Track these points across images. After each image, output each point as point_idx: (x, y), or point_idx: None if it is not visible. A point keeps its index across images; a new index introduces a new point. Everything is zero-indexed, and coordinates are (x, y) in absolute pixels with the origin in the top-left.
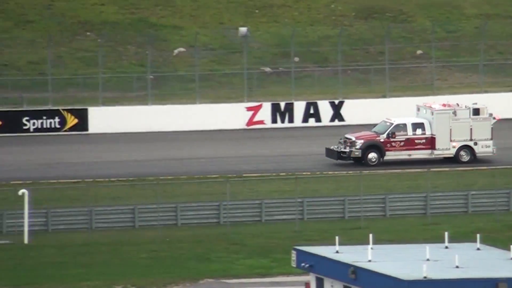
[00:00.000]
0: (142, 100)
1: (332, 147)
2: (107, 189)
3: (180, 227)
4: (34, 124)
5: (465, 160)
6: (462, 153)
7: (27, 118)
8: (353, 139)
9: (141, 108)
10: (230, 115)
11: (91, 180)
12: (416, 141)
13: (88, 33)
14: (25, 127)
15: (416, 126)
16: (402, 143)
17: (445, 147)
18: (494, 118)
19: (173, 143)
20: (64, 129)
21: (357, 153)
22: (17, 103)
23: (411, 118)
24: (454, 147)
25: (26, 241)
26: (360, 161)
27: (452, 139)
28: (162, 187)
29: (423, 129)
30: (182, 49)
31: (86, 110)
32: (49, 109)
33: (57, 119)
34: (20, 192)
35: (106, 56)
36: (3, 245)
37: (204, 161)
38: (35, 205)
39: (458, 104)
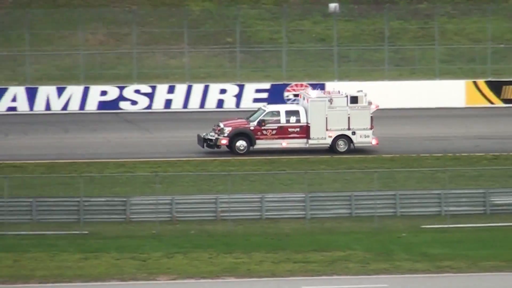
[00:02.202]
0: None
1: (203, 134)
2: None
3: None
4: None
5: (342, 150)
6: (339, 142)
7: None
8: (222, 126)
9: None
10: None
11: None
12: (289, 129)
13: None
14: None
15: (290, 113)
16: (274, 131)
17: (321, 136)
18: (373, 106)
19: None
20: None
21: (224, 141)
22: None
23: (287, 105)
24: (330, 136)
25: None
26: (229, 149)
27: (328, 128)
28: None
29: (298, 117)
30: None
31: None
32: None
33: None
34: None
35: None
36: None
37: None
38: None
39: (339, 92)
